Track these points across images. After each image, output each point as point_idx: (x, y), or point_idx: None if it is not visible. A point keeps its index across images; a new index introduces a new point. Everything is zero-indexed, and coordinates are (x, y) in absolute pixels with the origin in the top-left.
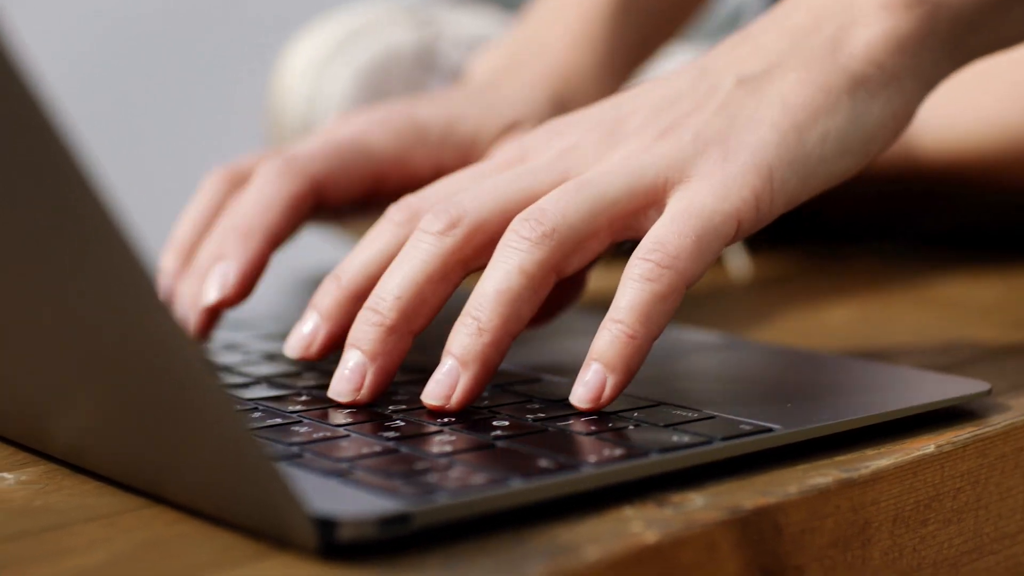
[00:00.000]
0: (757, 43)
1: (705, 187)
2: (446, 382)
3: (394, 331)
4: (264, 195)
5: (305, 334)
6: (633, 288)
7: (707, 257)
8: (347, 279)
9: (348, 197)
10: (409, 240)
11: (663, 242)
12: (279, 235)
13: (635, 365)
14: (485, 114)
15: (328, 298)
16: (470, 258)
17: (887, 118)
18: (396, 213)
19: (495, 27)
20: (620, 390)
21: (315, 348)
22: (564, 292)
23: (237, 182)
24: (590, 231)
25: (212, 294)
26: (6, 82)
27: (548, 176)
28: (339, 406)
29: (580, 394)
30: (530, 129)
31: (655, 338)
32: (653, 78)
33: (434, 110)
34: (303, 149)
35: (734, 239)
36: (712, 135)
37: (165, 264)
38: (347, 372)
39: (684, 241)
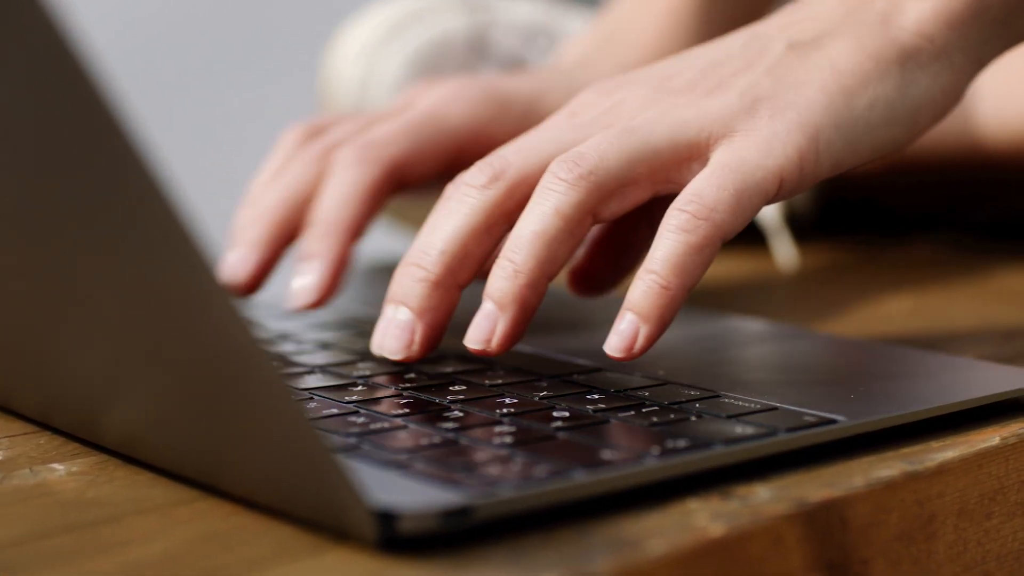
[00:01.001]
0: (810, 12)
1: (749, 142)
2: (485, 325)
3: (439, 285)
4: (344, 187)
5: (403, 335)
6: (668, 239)
7: (746, 212)
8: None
9: (427, 175)
10: (453, 194)
11: (701, 194)
12: (361, 227)
13: (668, 316)
14: (573, 90)
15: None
16: (513, 211)
17: (936, 92)
18: (454, 190)
19: (548, 15)
20: (653, 341)
21: (416, 348)
22: (613, 262)
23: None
24: (629, 177)
25: (302, 297)
26: (70, 72)
27: (593, 130)
28: (393, 397)
29: (613, 343)
30: None
31: (689, 289)
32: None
33: (519, 84)
34: (380, 132)
35: (776, 197)
36: (759, 93)
37: (241, 220)
38: (396, 329)
39: (722, 194)
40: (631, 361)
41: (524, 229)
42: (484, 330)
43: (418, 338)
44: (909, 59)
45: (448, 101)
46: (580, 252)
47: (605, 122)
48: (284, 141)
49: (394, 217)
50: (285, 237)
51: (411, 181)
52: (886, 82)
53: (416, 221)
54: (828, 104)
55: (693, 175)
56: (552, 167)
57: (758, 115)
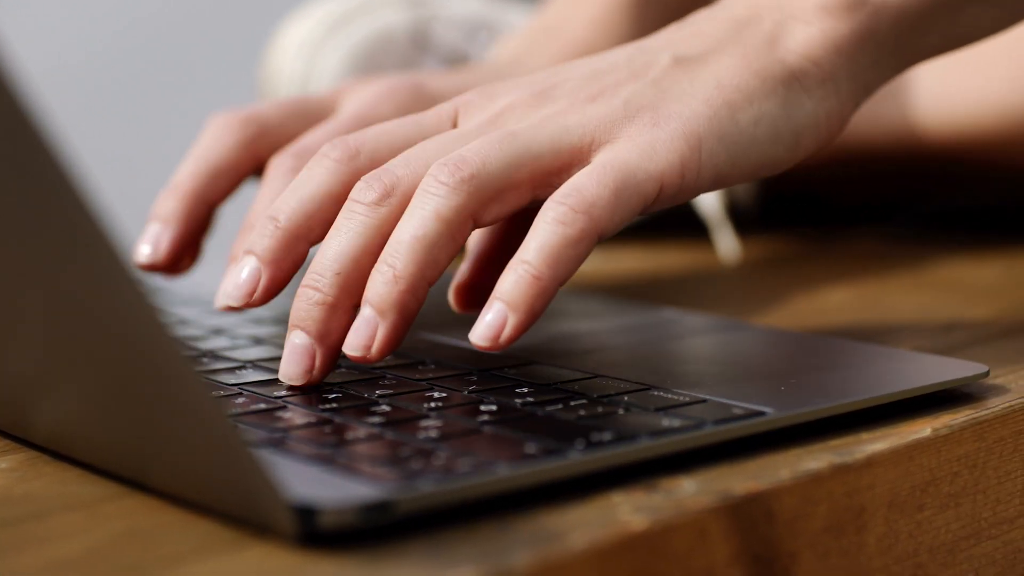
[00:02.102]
0: (697, 28)
1: (631, 146)
2: (365, 332)
3: (336, 307)
4: (279, 191)
5: (245, 280)
6: (544, 230)
7: (623, 211)
8: (286, 219)
9: None
10: (343, 211)
11: (580, 188)
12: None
13: (538, 307)
14: None
15: (268, 240)
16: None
17: (820, 116)
18: (332, 150)
19: (489, 9)
20: (520, 332)
21: (259, 295)
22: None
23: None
24: (510, 182)
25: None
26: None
27: (478, 136)
28: (324, 390)
29: (480, 332)
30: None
31: (561, 283)
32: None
33: (449, 82)
34: (312, 139)
35: (655, 203)
36: (643, 103)
37: (163, 206)
38: (296, 355)
39: (602, 190)
40: (496, 351)
41: (404, 234)
42: (364, 336)
43: (318, 362)
44: (795, 81)
45: (377, 103)
46: (464, 268)
47: (489, 129)
48: (207, 124)
49: None
50: (203, 208)
51: None
52: (771, 100)
53: None
54: (712, 116)
55: None
56: (433, 170)
57: (641, 121)
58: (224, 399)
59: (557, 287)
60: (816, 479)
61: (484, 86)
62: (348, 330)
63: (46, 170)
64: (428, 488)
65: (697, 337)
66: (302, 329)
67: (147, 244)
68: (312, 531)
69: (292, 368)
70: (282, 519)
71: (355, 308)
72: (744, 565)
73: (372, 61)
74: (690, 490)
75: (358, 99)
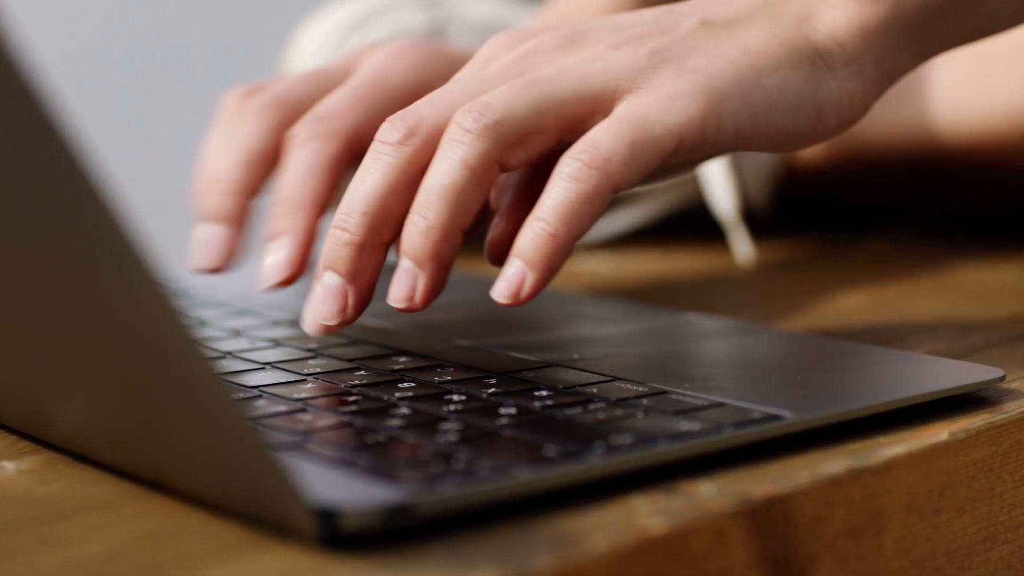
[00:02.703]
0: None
1: (652, 98)
2: (406, 283)
3: (365, 247)
4: (303, 163)
5: (333, 298)
6: (559, 187)
7: (640, 165)
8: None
9: None
10: (369, 152)
11: (596, 143)
12: (325, 201)
13: (555, 264)
14: None
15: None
16: (429, 164)
17: (843, 96)
18: (391, 133)
19: (504, 11)
20: (539, 288)
21: (351, 311)
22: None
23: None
24: (534, 127)
25: (273, 275)
26: (11, 77)
27: (501, 80)
28: (344, 393)
29: (500, 289)
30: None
31: (577, 238)
32: None
33: (465, 47)
34: (329, 105)
35: (673, 156)
36: (668, 55)
37: (202, 190)
38: (328, 295)
39: (617, 145)
40: (514, 306)
41: (433, 183)
42: (405, 287)
43: (351, 301)
44: (820, 59)
45: (393, 62)
46: (496, 221)
47: (514, 72)
48: (226, 104)
49: None
50: (249, 202)
51: (367, 148)
52: (797, 71)
53: None
54: (737, 75)
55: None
56: (457, 117)
57: (664, 72)
58: (244, 401)
59: (573, 243)
60: (834, 483)
61: (508, 32)
62: (377, 270)
63: (67, 171)
64: (449, 491)
65: (713, 340)
66: (333, 270)
67: (211, 248)
68: (333, 534)
69: (326, 308)
70: (303, 521)
71: (384, 247)
72: (763, 568)
73: None
74: (709, 493)
75: (371, 62)
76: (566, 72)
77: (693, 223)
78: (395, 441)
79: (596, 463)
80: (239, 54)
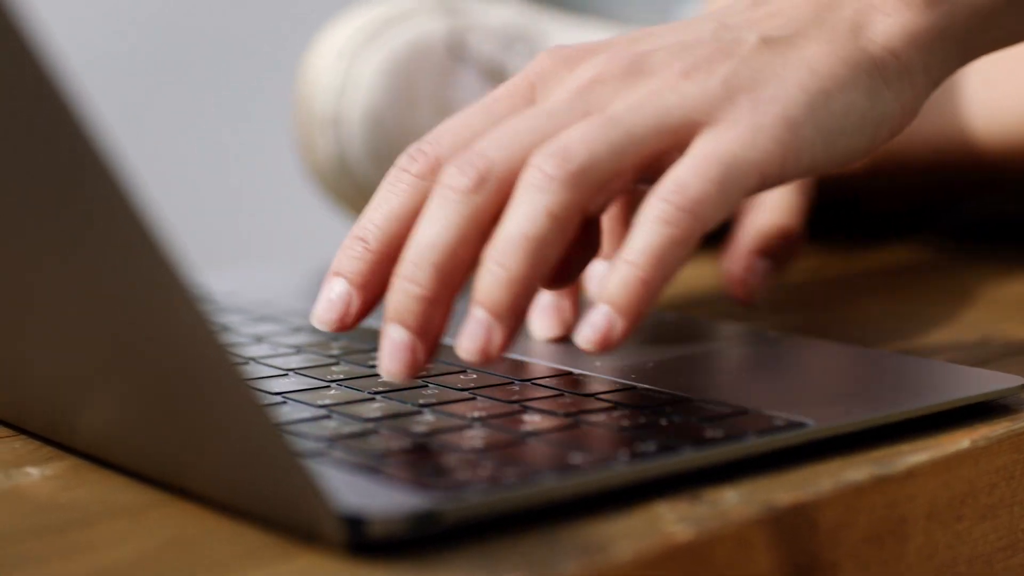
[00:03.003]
0: (776, 8)
1: (732, 134)
2: (480, 335)
3: (436, 301)
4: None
5: (336, 302)
6: (649, 230)
7: (728, 205)
8: (374, 240)
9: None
10: (434, 197)
11: (684, 184)
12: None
13: (644, 310)
14: None
15: (358, 263)
16: (499, 213)
17: (896, 110)
18: (411, 163)
19: (524, 17)
20: (627, 334)
21: (351, 319)
22: (582, 249)
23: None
24: (616, 170)
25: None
26: (29, 72)
27: (570, 118)
28: (365, 400)
29: (587, 336)
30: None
31: (667, 283)
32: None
33: None
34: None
35: (754, 191)
36: (741, 83)
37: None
38: (397, 350)
39: (707, 185)
40: (602, 354)
41: (514, 231)
42: (479, 340)
43: (420, 356)
44: (877, 72)
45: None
46: None
47: (580, 107)
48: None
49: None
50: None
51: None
52: (858, 89)
53: None
54: (810, 102)
55: (673, 162)
56: (538, 161)
57: (740, 105)
58: (272, 407)
59: (663, 287)
60: (857, 490)
61: (557, 49)
62: (446, 321)
63: (95, 176)
64: (475, 498)
65: (735, 347)
66: (401, 324)
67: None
68: (360, 540)
69: (394, 364)
70: (330, 528)
71: (452, 298)
72: (786, 574)
73: (408, 70)
74: (733, 500)
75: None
76: (642, 108)
77: (712, 230)
78: (421, 448)
79: (621, 470)
80: (258, 60)
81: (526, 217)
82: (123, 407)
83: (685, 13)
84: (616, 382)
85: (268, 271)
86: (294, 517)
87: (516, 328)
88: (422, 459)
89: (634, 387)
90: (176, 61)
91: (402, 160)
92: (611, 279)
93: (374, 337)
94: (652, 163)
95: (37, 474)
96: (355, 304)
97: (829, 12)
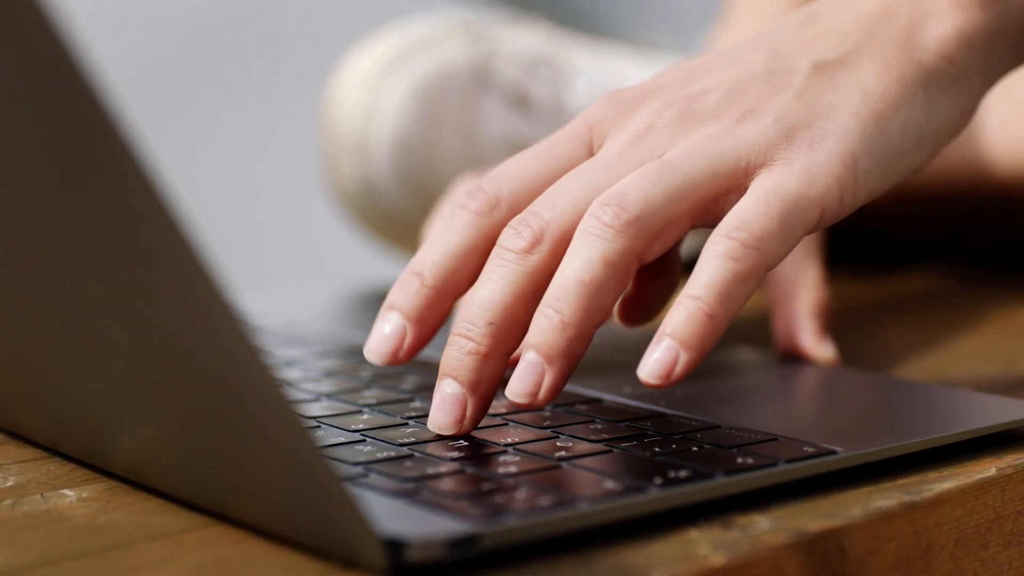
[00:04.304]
0: (827, 26)
1: (790, 172)
2: (532, 379)
3: (490, 357)
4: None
5: (390, 336)
6: (715, 265)
7: (790, 242)
8: (432, 277)
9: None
10: (492, 257)
11: (747, 221)
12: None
13: (709, 345)
14: None
15: (414, 298)
16: (556, 269)
17: (955, 114)
18: (471, 201)
19: (550, 45)
20: (691, 369)
21: (404, 353)
22: (659, 286)
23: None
24: (672, 216)
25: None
26: (79, 97)
27: (624, 169)
28: (398, 425)
29: (651, 369)
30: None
31: (730, 319)
32: (715, 50)
33: None
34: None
35: (814, 229)
36: (795, 120)
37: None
38: (447, 404)
39: (770, 223)
40: (663, 389)
41: (570, 277)
42: (531, 383)
43: (470, 411)
44: (932, 81)
45: None
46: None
47: (634, 159)
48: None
49: (389, 241)
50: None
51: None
52: (913, 106)
53: (411, 247)
54: (863, 131)
55: (731, 206)
56: (595, 210)
57: (796, 143)
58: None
59: (728, 323)
60: (887, 517)
61: (614, 95)
62: (499, 377)
63: (134, 193)
64: (513, 522)
65: (762, 375)
66: (454, 378)
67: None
68: (399, 564)
69: (444, 418)
70: (370, 552)
71: (507, 356)
72: None
73: (433, 96)
74: (765, 527)
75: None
76: (696, 154)
77: None
78: (456, 473)
79: (655, 496)
80: (284, 86)
81: (582, 264)
82: (163, 430)
83: (706, 37)
84: (647, 409)
85: (294, 295)
86: (334, 541)
87: (568, 373)
88: (459, 484)
89: (665, 414)
90: (204, 86)
91: (460, 197)
92: (675, 314)
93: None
94: (709, 207)
95: (74, 496)
96: (409, 339)
97: (882, 25)
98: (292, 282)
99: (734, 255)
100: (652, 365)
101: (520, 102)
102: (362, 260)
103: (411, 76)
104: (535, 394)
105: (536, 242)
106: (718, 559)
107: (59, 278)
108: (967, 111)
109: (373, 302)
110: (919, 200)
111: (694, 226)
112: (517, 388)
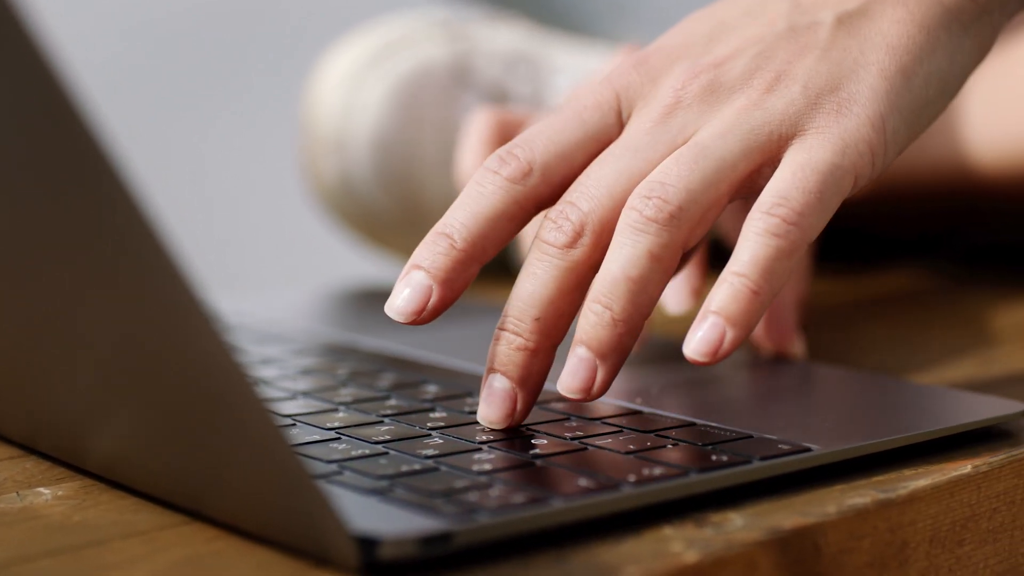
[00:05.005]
0: None
1: (822, 141)
2: (584, 375)
3: (537, 352)
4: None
5: (415, 295)
6: (757, 243)
7: (829, 213)
8: (463, 241)
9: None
10: (532, 251)
11: (787, 197)
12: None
13: (754, 322)
14: None
15: (442, 258)
16: (599, 260)
17: (975, 52)
18: (502, 166)
19: (530, 43)
20: (737, 346)
21: (427, 313)
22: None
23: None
24: (713, 200)
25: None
26: (50, 96)
27: (656, 152)
28: (374, 423)
29: (697, 347)
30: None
31: (775, 295)
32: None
33: None
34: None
35: (849, 195)
36: (821, 84)
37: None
38: (497, 399)
39: (808, 197)
40: (711, 366)
41: (617, 273)
42: (583, 379)
43: (519, 405)
44: (954, 22)
45: None
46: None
47: (664, 139)
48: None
49: (368, 238)
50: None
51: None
52: (937, 53)
53: (399, 247)
54: (890, 89)
55: (765, 179)
56: (637, 204)
57: (824, 110)
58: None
59: (771, 300)
60: (861, 514)
61: (638, 61)
62: (547, 370)
63: (105, 191)
64: (486, 520)
65: (738, 372)
66: (503, 374)
67: None
68: (372, 561)
69: (494, 412)
70: (343, 549)
71: (553, 349)
72: None
73: (413, 94)
74: (739, 524)
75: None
76: (729, 133)
77: (712, 254)
78: (430, 471)
79: (629, 493)
80: (264, 84)
81: (629, 260)
82: (138, 428)
83: None
84: (622, 406)
85: (273, 292)
86: (307, 538)
87: (620, 367)
88: (433, 482)
89: (640, 411)
90: (181, 83)
91: (491, 161)
92: (720, 291)
93: (379, 360)
94: (745, 183)
95: (49, 494)
96: (434, 299)
97: None
98: (271, 279)
99: (776, 231)
100: (698, 343)
101: (499, 100)
102: (341, 258)
103: (390, 74)
104: (588, 389)
105: (577, 236)
106: (691, 556)
107: (35, 278)
108: (986, 47)
109: (352, 300)
110: (899, 197)
111: (731, 202)
112: (570, 384)
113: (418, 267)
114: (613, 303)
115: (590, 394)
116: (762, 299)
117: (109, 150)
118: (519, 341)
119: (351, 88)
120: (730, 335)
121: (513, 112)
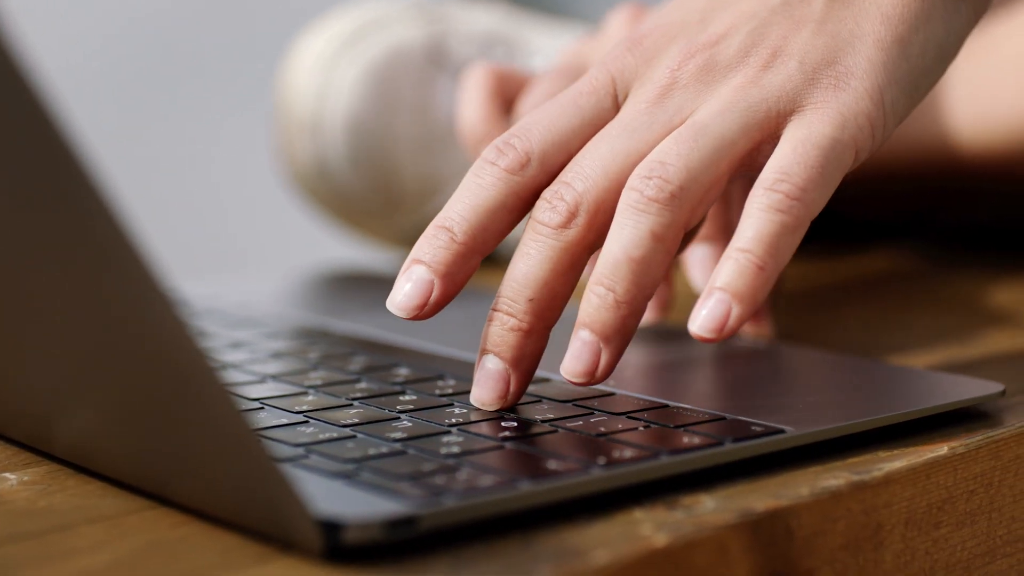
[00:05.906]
0: None
1: (821, 116)
2: (588, 358)
3: (531, 333)
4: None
5: (416, 290)
6: (761, 218)
7: (830, 188)
8: (463, 234)
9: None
10: (528, 231)
11: (789, 172)
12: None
13: (761, 297)
14: None
15: (443, 253)
16: (594, 241)
17: (971, 16)
18: (500, 157)
19: (505, 24)
20: (743, 322)
21: (429, 308)
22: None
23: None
24: (713, 179)
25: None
26: (9, 81)
27: (652, 133)
28: (343, 406)
29: (703, 323)
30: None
31: (780, 271)
32: None
33: None
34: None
35: (851, 168)
36: (818, 59)
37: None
38: (490, 380)
39: (811, 172)
40: (717, 342)
41: (619, 254)
42: (587, 363)
43: (512, 386)
44: None
45: None
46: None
47: (663, 118)
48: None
49: (342, 220)
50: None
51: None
52: (933, 20)
53: (374, 230)
54: (887, 61)
55: (765, 157)
56: (637, 184)
57: (822, 84)
58: (248, 413)
59: (776, 276)
60: (835, 496)
61: (632, 42)
62: (541, 352)
63: (74, 182)
64: (452, 503)
65: (713, 355)
66: (496, 355)
67: None
68: (336, 546)
69: (487, 393)
70: (307, 534)
71: (547, 331)
72: None
73: (387, 76)
74: (710, 507)
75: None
76: (727, 111)
77: (688, 238)
78: (397, 454)
79: (598, 476)
80: (237, 67)
81: (631, 240)
82: (103, 413)
83: None
84: (594, 388)
85: (246, 276)
86: (271, 523)
87: (624, 349)
88: (399, 465)
89: (612, 393)
90: (155, 67)
91: (489, 152)
92: (725, 267)
93: (351, 343)
94: (745, 161)
95: (15, 480)
96: (436, 294)
97: None
98: (245, 263)
99: (780, 207)
100: (704, 319)
101: None
102: (316, 241)
103: (364, 56)
104: (592, 373)
105: (572, 215)
106: (661, 540)
107: (4, 265)
108: (981, 10)
109: (325, 284)
110: (880, 178)
111: (731, 181)
112: (574, 368)
113: (419, 261)
114: (616, 285)
115: (594, 378)
116: (767, 274)
117: (68, 132)
118: (512, 322)
119: (325, 70)
120: (736, 311)
121: (511, 68)
